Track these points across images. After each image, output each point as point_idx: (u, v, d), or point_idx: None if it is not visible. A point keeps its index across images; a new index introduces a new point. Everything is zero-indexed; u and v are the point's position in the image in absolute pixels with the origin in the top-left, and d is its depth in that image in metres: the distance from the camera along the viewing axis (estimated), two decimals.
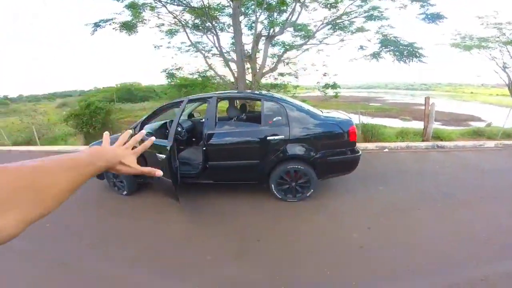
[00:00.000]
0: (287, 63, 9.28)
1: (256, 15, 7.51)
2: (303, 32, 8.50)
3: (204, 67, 9.62)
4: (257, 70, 7.66)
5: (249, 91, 6.35)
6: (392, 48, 7.20)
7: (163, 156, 2.78)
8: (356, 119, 6.92)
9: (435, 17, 6.92)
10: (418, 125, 7.87)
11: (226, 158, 3.21)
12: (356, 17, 7.67)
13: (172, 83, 11.08)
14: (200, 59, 9.93)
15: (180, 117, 3.09)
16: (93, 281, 2.17)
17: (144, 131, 0.62)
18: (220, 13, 8.15)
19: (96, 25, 7.25)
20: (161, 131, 3.91)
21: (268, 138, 3.03)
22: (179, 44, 9.38)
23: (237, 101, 5.19)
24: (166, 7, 7.42)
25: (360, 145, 6.11)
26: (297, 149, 3.06)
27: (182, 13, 8.10)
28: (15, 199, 0.34)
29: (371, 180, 3.88)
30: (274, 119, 3.10)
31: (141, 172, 0.58)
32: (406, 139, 6.52)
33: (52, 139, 10.26)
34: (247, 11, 8.41)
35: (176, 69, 9.79)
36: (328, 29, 8.14)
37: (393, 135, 6.90)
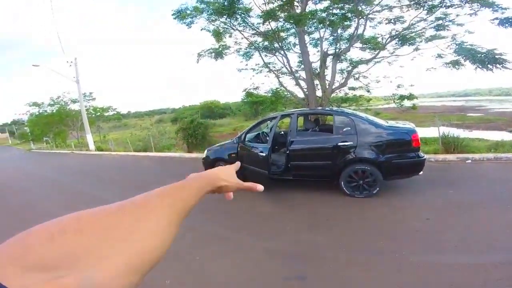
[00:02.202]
0: (357, 78, 9.64)
1: (320, 34, 8.32)
2: (371, 45, 8.78)
3: (275, 85, 10.59)
4: (327, 87, 8.40)
5: (320, 108, 7.19)
6: (469, 56, 6.83)
7: (264, 154, 3.97)
8: (440, 130, 6.79)
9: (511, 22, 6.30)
10: None
11: (304, 159, 4.18)
12: (424, 28, 7.60)
13: (245, 100, 12.66)
14: (272, 78, 11.09)
15: (275, 127, 4.26)
16: (214, 240, 3.30)
17: (238, 163, 0.63)
18: (286, 34, 9.23)
19: (199, 55, 9.48)
20: (256, 139, 5.25)
21: (339, 144, 3.86)
22: (254, 66, 10.60)
23: (310, 116, 6.12)
24: (242, 33, 9.07)
25: (438, 156, 6.04)
26: (364, 153, 3.76)
27: (253, 36, 9.42)
28: (97, 246, 0.27)
29: (442, 185, 4.12)
30: (344, 129, 3.92)
31: (244, 187, 0.58)
32: (499, 151, 6.01)
33: (161, 148, 13.41)
34: (310, 29, 9.13)
35: (254, 88, 11.28)
36: (396, 43, 8.24)
37: (483, 147, 6.43)
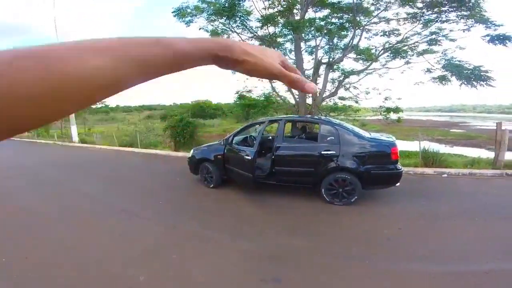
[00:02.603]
0: (348, 88, 9.89)
1: (316, 42, 8.54)
2: (364, 56, 9.06)
3: (269, 89, 10.72)
4: (317, 95, 8.59)
5: (308, 115, 7.35)
6: (456, 72, 7.19)
7: (249, 157, 4.03)
8: (421, 144, 7.04)
9: (502, 39, 6.69)
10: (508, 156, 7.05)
11: (288, 165, 4.27)
12: (417, 42, 7.93)
13: (237, 102, 12.73)
14: (265, 83, 11.24)
15: (262, 131, 4.32)
16: (194, 239, 3.31)
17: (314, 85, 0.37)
18: (283, 40, 9.44)
19: None
20: (244, 143, 5.31)
21: (322, 152, 3.98)
22: None
23: (298, 124, 6.26)
24: (240, 36, 9.17)
25: (417, 169, 6.30)
26: (346, 162, 3.89)
27: (251, 39, 9.51)
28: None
29: (417, 197, 4.32)
30: (328, 138, 4.05)
31: (286, 74, 0.36)
32: (475, 167, 6.33)
33: (147, 144, 13.18)
34: (307, 37, 9.36)
35: (247, 91, 11.38)
36: (388, 55, 8.55)
37: (460, 163, 6.76)
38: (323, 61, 8.88)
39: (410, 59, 8.40)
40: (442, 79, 7.88)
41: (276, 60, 0.37)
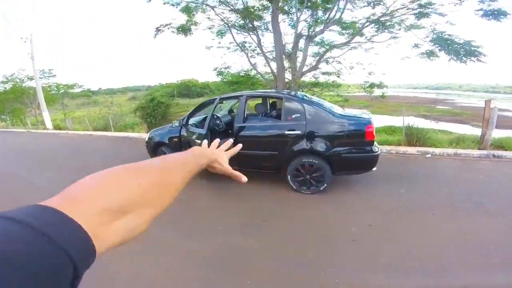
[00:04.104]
0: (332, 62, 9.16)
1: (297, 14, 7.68)
2: (350, 31, 8.30)
3: (249, 66, 10.22)
4: (297, 69, 7.84)
5: (286, 90, 6.64)
6: (445, 47, 6.56)
7: (199, 141, 3.38)
8: (405, 121, 6.54)
9: (496, 14, 6.05)
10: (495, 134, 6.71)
11: (250, 148, 3.64)
12: (403, 14, 7.17)
13: (225, 80, 12.06)
14: (245, 58, 10.54)
15: (213, 111, 3.63)
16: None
17: (231, 140, 0.65)
18: (264, 13, 8.52)
19: (158, 29, 8.44)
20: (203, 123, 4.61)
21: (286, 132, 3.35)
22: (228, 44, 10.11)
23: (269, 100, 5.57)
24: (213, 10, 8.18)
25: (399, 148, 5.83)
26: (312, 144, 3.29)
27: (231, 13, 8.72)
28: (149, 197, 0.35)
29: (396, 183, 3.81)
30: (293, 116, 3.40)
31: (231, 174, 0.62)
32: (459, 146, 5.91)
33: (122, 127, 12.36)
34: (290, 9, 8.58)
35: (225, 68, 10.59)
36: (372, 27, 7.78)
37: (446, 141, 6.31)
38: (303, 33, 8.01)
39: (397, 33, 7.69)
40: (430, 54, 7.26)
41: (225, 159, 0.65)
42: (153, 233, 2.75)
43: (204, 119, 4.70)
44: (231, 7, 8.23)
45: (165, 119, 9.50)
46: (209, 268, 2.25)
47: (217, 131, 4.28)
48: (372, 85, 8.37)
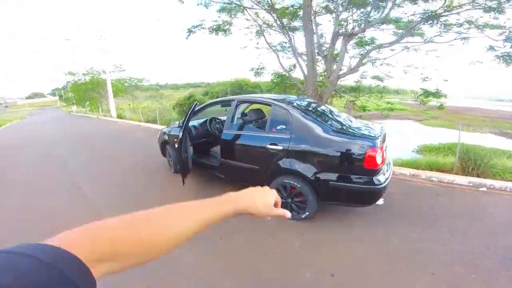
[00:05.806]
0: (380, 64, 7.93)
1: (337, 11, 6.85)
2: (402, 31, 6.98)
3: (289, 66, 9.67)
4: (332, 72, 7.01)
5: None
6: None
7: (175, 146, 3.21)
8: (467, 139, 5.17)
9: None
10: None
11: (231, 158, 3.29)
12: (467, 10, 5.62)
13: (275, 81, 11.91)
14: (284, 59, 10.03)
15: (187, 116, 3.27)
16: None
17: (289, 213, 0.60)
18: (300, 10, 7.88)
19: (190, 30, 8.60)
20: (202, 127, 4.45)
21: (267, 146, 2.87)
22: (265, 45, 9.76)
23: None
24: (247, 10, 7.94)
25: (445, 176, 4.57)
26: (294, 164, 2.72)
27: (270, 12, 8.34)
28: (124, 252, 0.36)
29: (411, 222, 2.89)
30: (278, 127, 2.89)
31: (273, 216, 0.59)
32: None
33: (167, 120, 13.36)
34: (336, 8, 7.71)
35: (261, 68, 10.38)
36: (432, 26, 6.34)
37: None
38: (341, 32, 7.08)
39: (467, 32, 6.08)
40: (505, 58, 5.57)
41: (270, 200, 0.59)
42: None
43: (203, 122, 4.53)
44: (265, 7, 7.87)
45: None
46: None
47: (193, 136, 4.10)
48: (427, 93, 6.91)
